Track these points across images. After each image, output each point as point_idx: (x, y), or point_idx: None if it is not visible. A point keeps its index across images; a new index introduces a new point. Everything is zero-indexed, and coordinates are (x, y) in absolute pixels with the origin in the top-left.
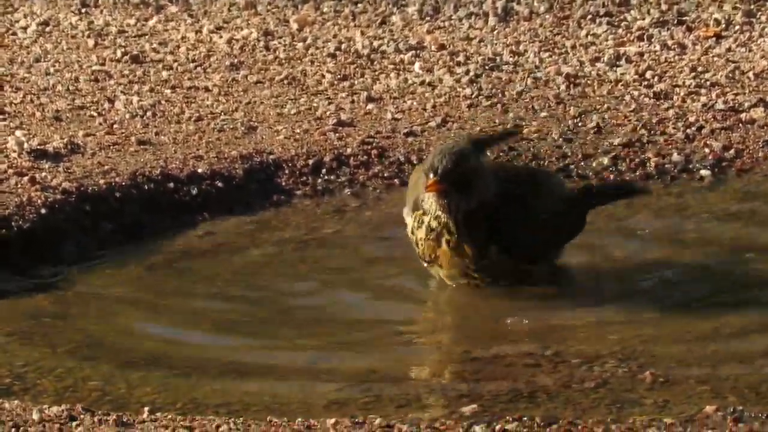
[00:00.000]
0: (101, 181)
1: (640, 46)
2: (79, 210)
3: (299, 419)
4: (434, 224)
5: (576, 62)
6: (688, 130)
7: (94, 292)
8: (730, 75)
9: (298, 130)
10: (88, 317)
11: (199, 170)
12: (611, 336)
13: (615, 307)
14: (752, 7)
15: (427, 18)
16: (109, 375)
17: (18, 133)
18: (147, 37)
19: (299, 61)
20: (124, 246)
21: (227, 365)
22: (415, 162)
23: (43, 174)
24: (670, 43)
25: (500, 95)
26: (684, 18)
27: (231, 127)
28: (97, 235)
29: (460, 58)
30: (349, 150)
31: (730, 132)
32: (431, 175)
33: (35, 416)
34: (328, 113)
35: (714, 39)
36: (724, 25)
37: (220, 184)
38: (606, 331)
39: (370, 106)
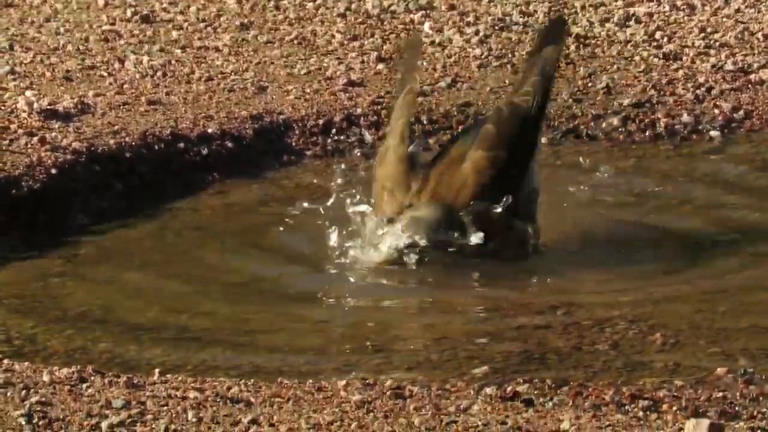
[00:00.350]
0: (111, 141)
1: (649, 7)
2: (89, 170)
3: (310, 381)
4: None
5: (586, 22)
6: (698, 91)
7: (104, 253)
8: (740, 36)
9: (308, 90)
10: (99, 278)
11: (210, 130)
12: (622, 298)
13: (625, 269)
14: None
15: None
16: (119, 336)
17: (28, 93)
18: None
19: (309, 21)
20: (134, 206)
21: (238, 326)
22: (425, 122)
23: (54, 134)
24: (679, 3)
25: (510, 55)
26: None
27: (241, 87)
28: (108, 196)
29: (470, 18)
30: (359, 110)
31: (740, 93)
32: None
33: (45, 378)
34: (338, 73)
35: None
36: None
37: (230, 144)
38: (617, 293)
39: (380, 66)
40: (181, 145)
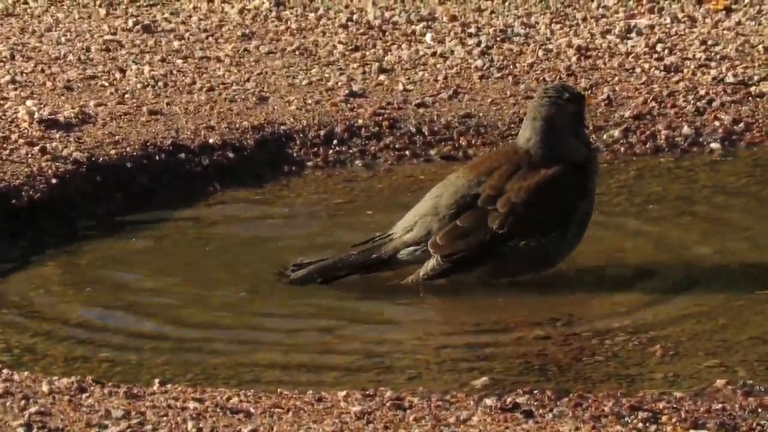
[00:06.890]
0: (112, 152)
1: (650, 19)
2: (90, 180)
3: (310, 391)
4: None
5: (587, 34)
6: (699, 103)
7: (104, 263)
8: (740, 48)
9: (309, 101)
10: (99, 288)
11: (211, 141)
12: (621, 309)
13: (625, 282)
14: None
15: None
16: (119, 346)
17: (29, 102)
18: (159, 6)
19: (311, 32)
20: (134, 216)
21: (238, 336)
22: (426, 133)
23: (54, 144)
24: (680, 15)
25: (511, 67)
26: None
27: (242, 97)
28: (108, 206)
29: (472, 30)
30: (360, 121)
31: (740, 105)
32: None
33: (45, 388)
34: (339, 84)
35: (724, 12)
36: None
37: (231, 155)
38: (616, 304)
39: (381, 77)
40: (182, 155)
